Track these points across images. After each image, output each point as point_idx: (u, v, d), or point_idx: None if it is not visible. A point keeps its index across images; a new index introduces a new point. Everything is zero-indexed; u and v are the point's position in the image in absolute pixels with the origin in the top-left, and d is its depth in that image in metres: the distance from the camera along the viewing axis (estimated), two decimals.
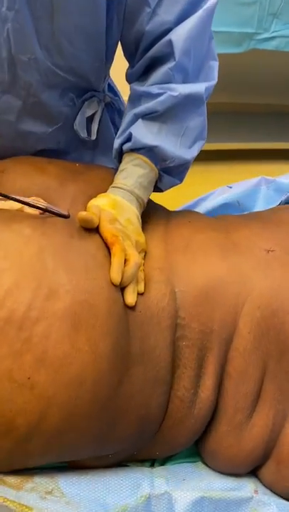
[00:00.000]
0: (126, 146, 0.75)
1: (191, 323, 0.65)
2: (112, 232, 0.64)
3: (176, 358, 0.65)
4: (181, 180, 0.81)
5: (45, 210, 0.65)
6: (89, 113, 0.85)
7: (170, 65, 0.71)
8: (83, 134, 0.85)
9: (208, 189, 1.15)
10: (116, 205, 0.69)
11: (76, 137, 0.86)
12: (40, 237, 0.60)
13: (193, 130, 0.76)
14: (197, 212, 0.84)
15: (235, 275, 0.67)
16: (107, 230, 0.64)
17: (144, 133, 0.73)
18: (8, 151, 0.82)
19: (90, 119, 0.86)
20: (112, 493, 0.62)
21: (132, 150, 0.75)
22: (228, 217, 0.82)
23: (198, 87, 0.73)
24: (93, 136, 0.87)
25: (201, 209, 1.13)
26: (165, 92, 0.72)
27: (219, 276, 0.67)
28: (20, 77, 0.74)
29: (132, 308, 0.63)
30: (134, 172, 0.74)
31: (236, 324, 0.65)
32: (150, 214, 0.78)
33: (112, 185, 0.74)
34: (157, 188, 0.80)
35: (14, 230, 0.60)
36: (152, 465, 0.70)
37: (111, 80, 0.95)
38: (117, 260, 0.62)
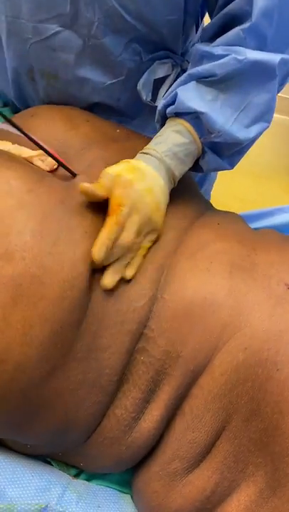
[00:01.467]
0: (170, 109, 0.64)
1: (157, 337, 0.54)
2: (119, 201, 0.55)
3: (128, 371, 0.55)
4: (231, 165, 0.68)
5: (57, 162, 0.58)
6: (159, 75, 0.75)
7: (244, 26, 0.58)
8: (146, 97, 0.75)
9: None
10: (135, 171, 0.58)
11: (140, 100, 0.77)
12: (25, 193, 0.53)
13: (256, 107, 0.62)
14: (237, 217, 0.70)
15: (232, 300, 0.54)
16: (117, 195, 0.55)
17: (192, 96, 0.61)
18: (63, 97, 0.76)
19: (159, 83, 0.76)
20: (14, 485, 0.56)
21: (177, 115, 0.64)
22: (271, 234, 0.67)
23: (272, 57, 0.59)
24: (158, 102, 0.77)
25: (274, 220, 0.99)
26: (229, 54, 0.59)
27: (213, 296, 0.55)
28: (82, 12, 0.66)
29: (100, 295, 0.54)
30: (170, 138, 0.62)
31: (211, 359, 0.53)
32: (184, 200, 0.67)
33: (141, 150, 0.63)
34: (198, 167, 0.68)
35: (2, 177, 0.54)
36: (79, 474, 0.62)
37: None
38: (105, 233, 0.53)
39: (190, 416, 0.53)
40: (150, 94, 0.76)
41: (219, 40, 0.61)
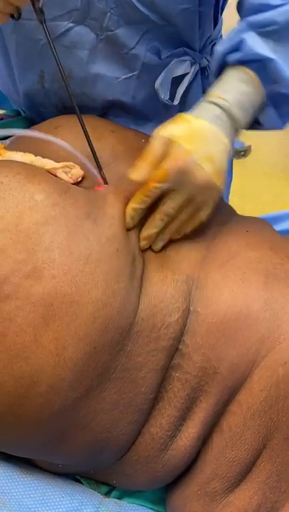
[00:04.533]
0: (233, 57, 0.59)
1: (193, 353, 0.52)
2: (163, 177, 0.54)
3: (163, 388, 0.53)
4: (284, 123, 0.64)
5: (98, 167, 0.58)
6: (177, 73, 0.72)
7: None
8: (164, 96, 0.72)
9: None
10: (196, 137, 0.55)
11: (157, 98, 0.74)
12: (50, 206, 0.51)
13: None
14: (264, 223, 0.67)
15: (269, 313, 0.52)
16: (164, 170, 0.54)
17: (259, 43, 0.57)
18: (76, 97, 0.73)
19: (177, 81, 0.74)
20: (45, 506, 0.54)
21: (240, 62, 0.59)
22: None
23: None
24: (176, 101, 0.74)
25: None
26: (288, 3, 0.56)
27: (249, 309, 0.52)
28: (95, 4, 0.64)
29: (134, 313, 0.51)
30: (236, 87, 0.58)
31: (249, 375, 0.51)
32: None
33: (206, 98, 0.59)
34: (256, 122, 0.63)
35: (25, 191, 0.51)
36: (110, 492, 0.60)
37: None
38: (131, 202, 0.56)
39: (229, 434, 0.51)
40: (168, 93, 0.73)
41: None
